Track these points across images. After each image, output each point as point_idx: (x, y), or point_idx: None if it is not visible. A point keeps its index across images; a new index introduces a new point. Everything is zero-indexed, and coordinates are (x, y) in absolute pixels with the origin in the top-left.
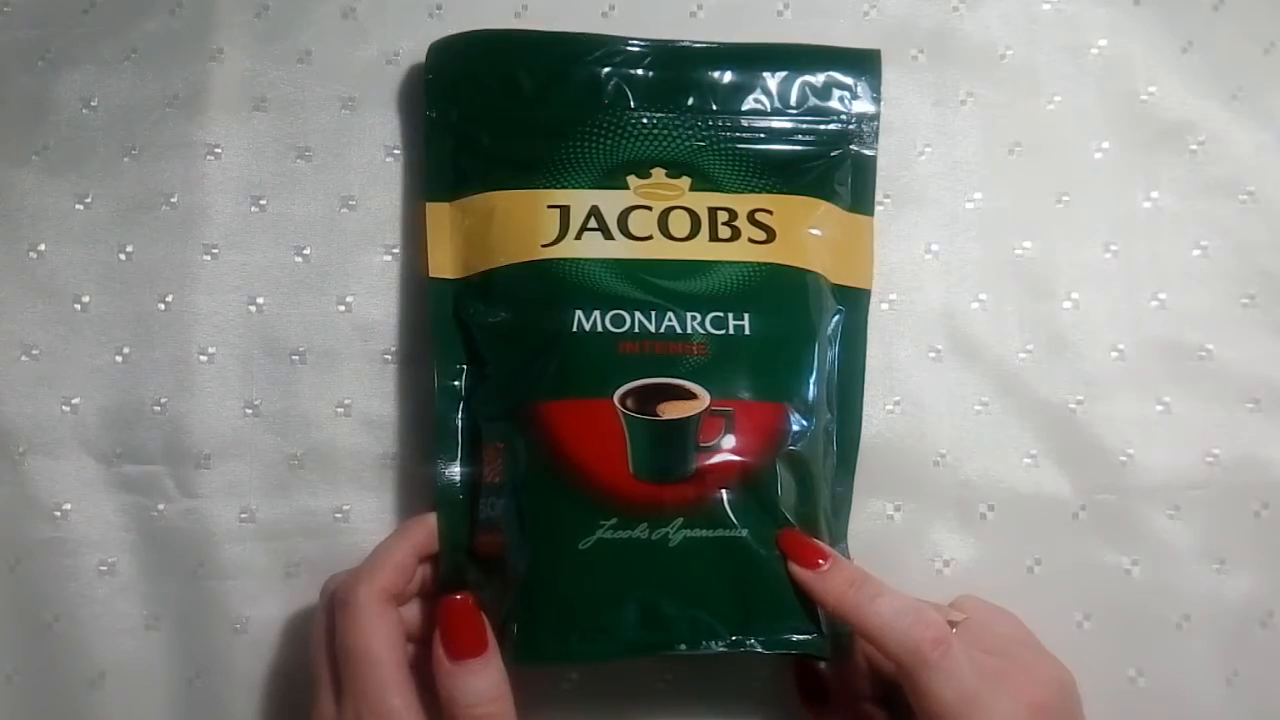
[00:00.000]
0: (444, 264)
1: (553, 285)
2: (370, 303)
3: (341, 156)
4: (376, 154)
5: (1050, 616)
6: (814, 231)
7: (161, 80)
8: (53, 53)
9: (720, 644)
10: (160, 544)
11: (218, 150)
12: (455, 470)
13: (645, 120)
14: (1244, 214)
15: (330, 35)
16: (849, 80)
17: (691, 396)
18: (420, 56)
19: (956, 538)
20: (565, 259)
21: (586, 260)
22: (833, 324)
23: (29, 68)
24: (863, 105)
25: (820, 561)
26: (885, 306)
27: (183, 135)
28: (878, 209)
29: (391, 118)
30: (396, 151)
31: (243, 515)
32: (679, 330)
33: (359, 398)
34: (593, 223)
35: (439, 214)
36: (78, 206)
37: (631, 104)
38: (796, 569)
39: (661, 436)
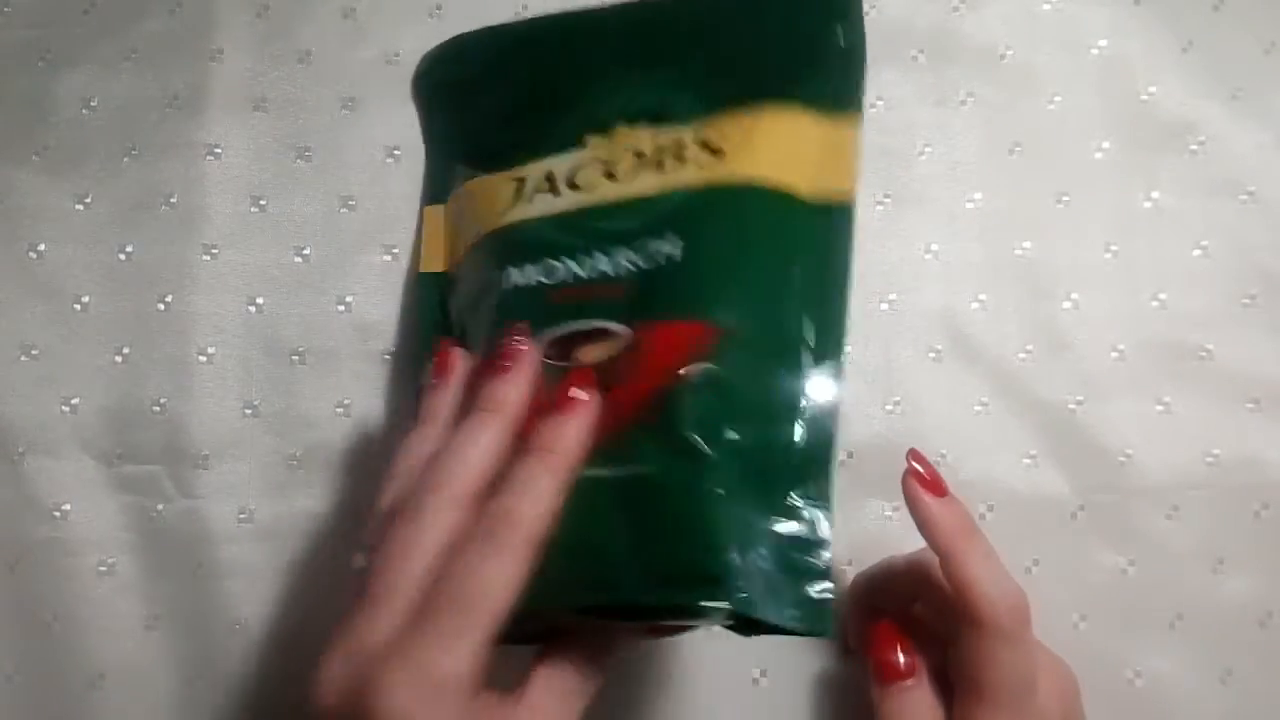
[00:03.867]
0: (433, 261)
1: (498, 249)
2: (370, 303)
3: (341, 156)
4: (376, 154)
5: (1048, 616)
6: (777, 141)
7: (161, 80)
8: (53, 53)
9: (617, 596)
10: (160, 544)
11: (218, 150)
12: None
13: (611, 80)
14: (1244, 214)
15: (330, 35)
16: None
17: (614, 336)
18: (420, 56)
19: None
20: (515, 222)
21: (532, 220)
22: (799, 235)
23: (29, 68)
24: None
25: (944, 492)
26: (885, 306)
27: (183, 135)
28: (877, 209)
29: (391, 118)
30: (397, 152)
31: (241, 515)
32: (609, 272)
33: (359, 398)
34: (544, 185)
35: (434, 216)
36: (78, 206)
37: (595, 66)
38: (921, 494)
39: None
